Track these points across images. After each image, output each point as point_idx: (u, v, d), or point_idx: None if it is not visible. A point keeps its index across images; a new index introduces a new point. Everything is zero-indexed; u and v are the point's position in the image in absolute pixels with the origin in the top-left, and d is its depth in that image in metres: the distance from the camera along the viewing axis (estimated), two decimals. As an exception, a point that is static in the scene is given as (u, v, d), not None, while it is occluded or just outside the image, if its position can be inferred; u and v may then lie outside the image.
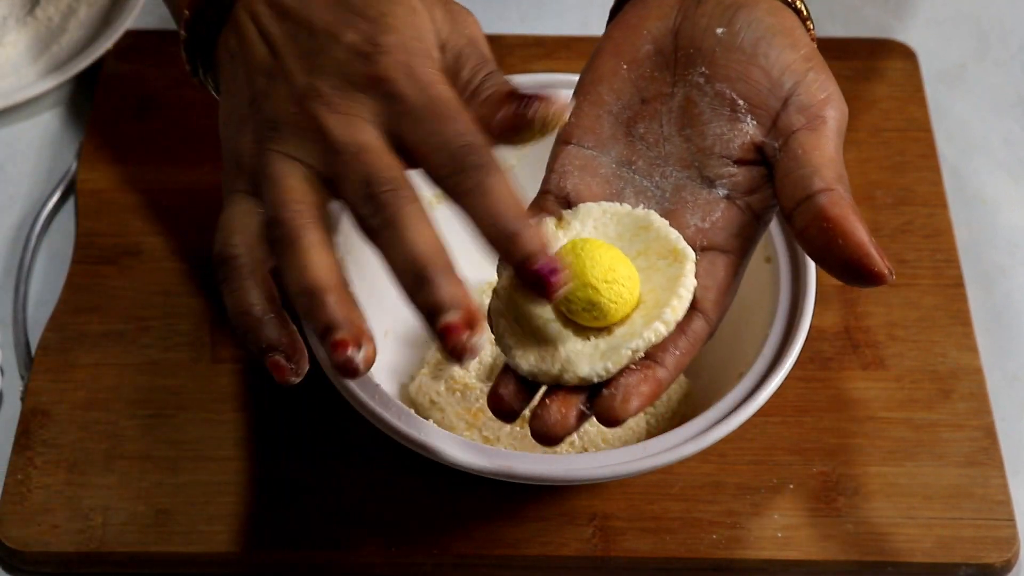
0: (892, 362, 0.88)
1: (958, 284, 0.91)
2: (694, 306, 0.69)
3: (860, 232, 0.67)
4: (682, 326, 0.69)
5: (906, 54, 1.03)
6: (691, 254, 0.69)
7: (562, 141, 0.74)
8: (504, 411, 0.69)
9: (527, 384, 0.68)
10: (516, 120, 0.68)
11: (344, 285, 0.66)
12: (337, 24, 0.70)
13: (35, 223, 0.95)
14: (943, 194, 0.96)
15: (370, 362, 0.65)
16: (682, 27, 0.73)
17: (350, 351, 0.65)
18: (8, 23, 1.04)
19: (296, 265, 0.66)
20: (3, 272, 0.93)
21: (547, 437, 0.67)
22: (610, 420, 0.66)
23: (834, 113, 0.70)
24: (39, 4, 1.05)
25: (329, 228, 0.68)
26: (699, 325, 0.69)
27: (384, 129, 0.68)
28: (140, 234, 0.93)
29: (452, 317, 0.63)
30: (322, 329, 0.65)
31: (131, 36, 1.03)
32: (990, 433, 0.85)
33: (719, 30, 0.72)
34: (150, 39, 1.03)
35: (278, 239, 0.67)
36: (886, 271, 0.66)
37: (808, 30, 0.74)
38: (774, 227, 0.82)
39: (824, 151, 0.69)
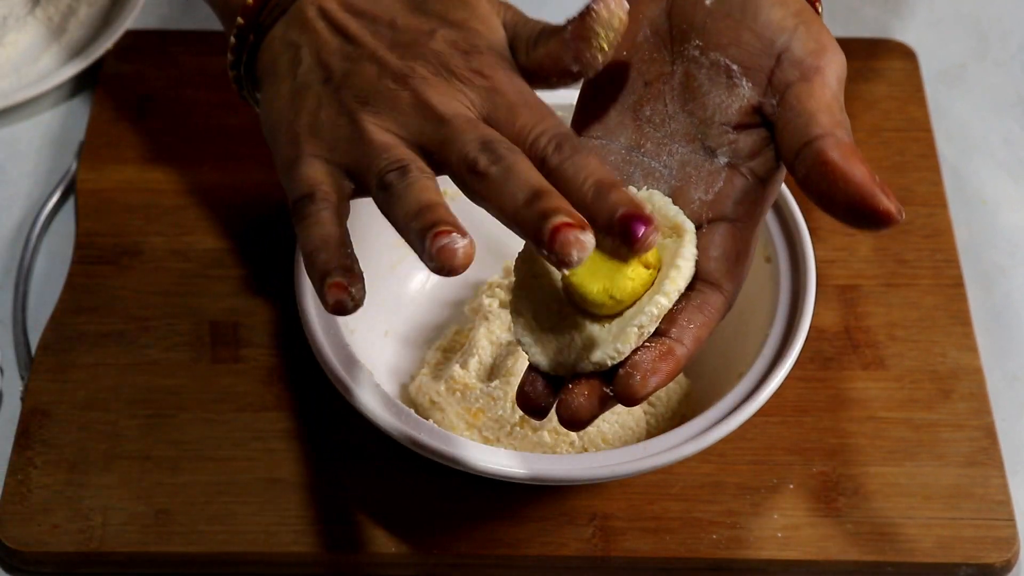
0: (892, 362, 0.88)
1: (958, 284, 0.91)
2: (705, 278, 0.69)
3: (862, 172, 0.66)
4: (695, 300, 0.68)
5: (906, 54, 1.03)
6: (690, 226, 0.69)
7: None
8: (534, 407, 0.69)
9: (551, 379, 0.68)
10: (584, 26, 0.71)
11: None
12: (423, 25, 0.73)
13: (35, 223, 0.95)
14: (943, 194, 0.96)
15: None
16: (674, 5, 0.73)
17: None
18: (8, 23, 1.04)
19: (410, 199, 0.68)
20: (3, 272, 0.93)
21: (574, 422, 0.67)
22: (628, 399, 0.66)
23: (829, 62, 0.70)
24: (39, 4, 1.05)
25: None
26: (713, 297, 0.68)
27: (481, 115, 0.70)
28: (140, 234, 0.93)
29: (564, 219, 0.64)
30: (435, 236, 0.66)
31: (131, 36, 1.03)
32: (990, 433, 0.85)
33: (708, 1, 0.72)
34: (150, 39, 1.03)
35: (391, 184, 0.69)
36: (894, 209, 0.65)
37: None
38: (774, 227, 0.83)
39: (820, 99, 0.69)
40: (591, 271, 0.67)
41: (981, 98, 1.04)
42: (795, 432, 0.85)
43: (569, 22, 0.71)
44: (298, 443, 0.84)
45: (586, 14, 0.70)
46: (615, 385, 0.66)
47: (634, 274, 0.67)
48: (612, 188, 0.65)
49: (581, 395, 0.67)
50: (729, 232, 0.70)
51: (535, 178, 0.66)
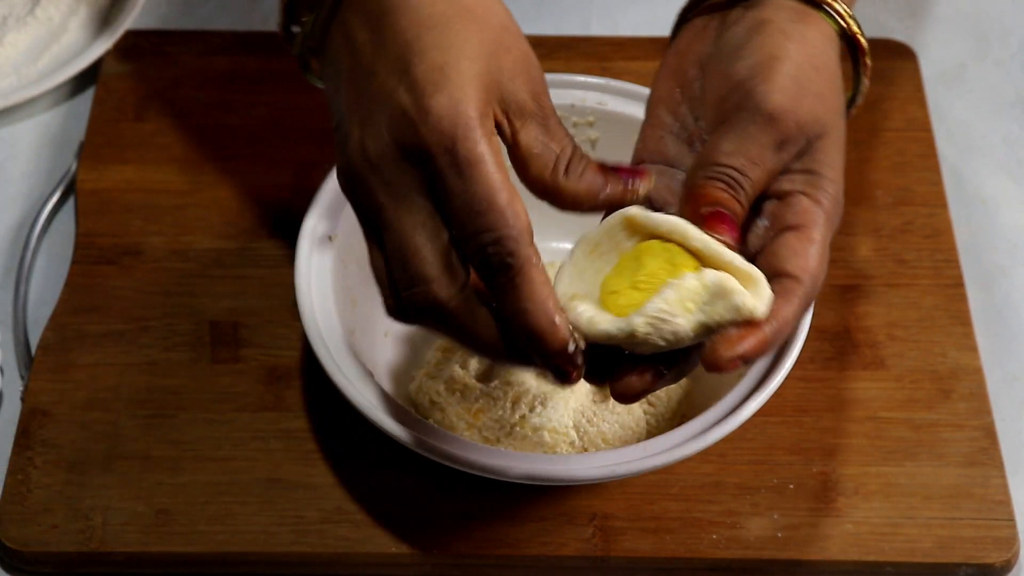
0: (892, 362, 0.88)
1: (958, 284, 0.91)
2: (780, 272, 0.69)
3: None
4: (776, 288, 0.69)
5: (906, 54, 1.03)
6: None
7: (635, 162, 0.76)
8: (631, 396, 0.70)
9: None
10: (621, 197, 0.70)
11: None
12: (392, 76, 0.67)
13: (35, 223, 0.95)
14: (943, 194, 0.96)
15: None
16: (709, 51, 0.75)
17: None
18: (8, 23, 1.04)
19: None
20: (3, 272, 0.93)
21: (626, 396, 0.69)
22: (712, 364, 0.67)
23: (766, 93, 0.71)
24: (39, 4, 1.05)
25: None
26: (791, 284, 0.69)
27: (431, 196, 0.67)
28: (140, 234, 0.93)
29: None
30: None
31: (131, 36, 1.03)
32: (990, 433, 0.85)
33: (712, 49, 0.74)
34: (150, 39, 1.03)
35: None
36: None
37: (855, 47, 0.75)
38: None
39: (715, 145, 0.71)
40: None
41: (981, 98, 1.04)
42: (795, 432, 0.85)
43: (609, 174, 0.69)
44: (298, 443, 0.84)
45: (633, 181, 0.70)
46: (703, 356, 0.67)
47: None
48: (543, 333, 0.67)
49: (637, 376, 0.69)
50: (795, 236, 0.70)
51: (477, 338, 0.68)
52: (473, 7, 0.68)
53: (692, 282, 0.67)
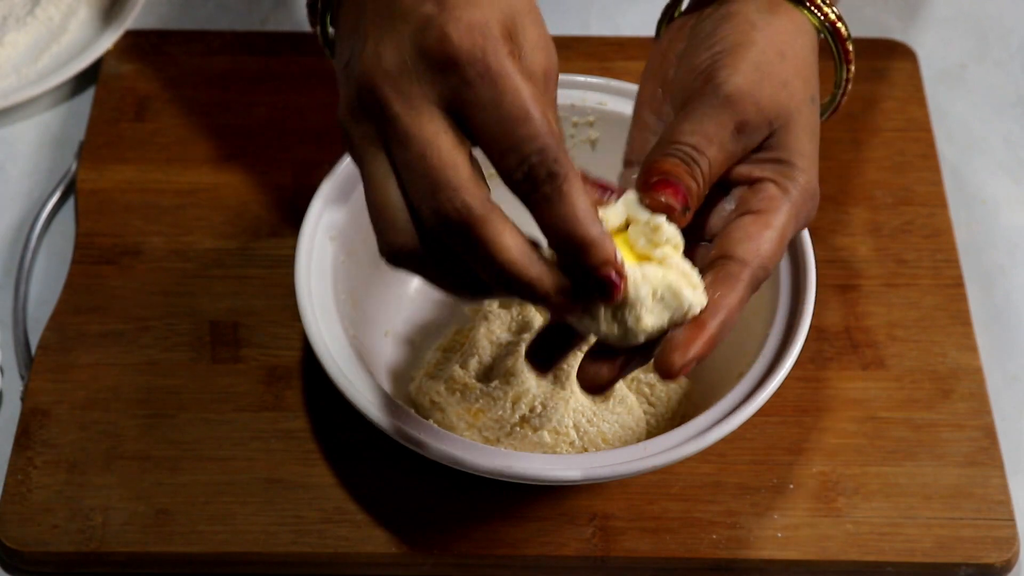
0: (892, 362, 0.88)
1: (958, 284, 0.91)
2: (725, 254, 0.69)
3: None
4: (720, 272, 0.69)
5: (906, 54, 1.03)
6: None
7: (625, 164, 0.76)
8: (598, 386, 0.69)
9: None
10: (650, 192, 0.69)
11: None
12: None
13: (35, 223, 0.95)
14: (943, 194, 0.96)
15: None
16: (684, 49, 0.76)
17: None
18: (8, 23, 1.04)
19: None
20: (3, 272, 0.93)
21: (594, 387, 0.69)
22: (665, 372, 0.67)
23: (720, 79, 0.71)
24: (39, 4, 1.05)
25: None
26: (734, 267, 0.69)
27: (452, 112, 0.65)
28: (140, 234, 0.93)
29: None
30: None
31: (131, 36, 1.03)
32: (990, 433, 0.85)
33: (682, 45, 0.75)
34: (150, 39, 1.03)
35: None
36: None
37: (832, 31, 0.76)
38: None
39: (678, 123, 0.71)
40: None
41: (981, 98, 1.04)
42: (795, 432, 0.85)
43: (587, 184, 0.67)
44: (298, 443, 0.84)
45: (605, 198, 0.68)
46: (655, 363, 0.67)
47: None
48: (591, 242, 0.64)
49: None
50: (752, 219, 0.71)
51: (498, 261, 0.65)
52: None
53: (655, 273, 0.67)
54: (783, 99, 0.71)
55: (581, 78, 0.89)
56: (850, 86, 0.78)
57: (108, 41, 1.02)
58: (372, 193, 0.66)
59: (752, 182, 0.72)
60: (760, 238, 0.70)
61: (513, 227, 0.64)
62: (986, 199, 0.98)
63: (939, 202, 0.95)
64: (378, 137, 0.66)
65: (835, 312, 0.90)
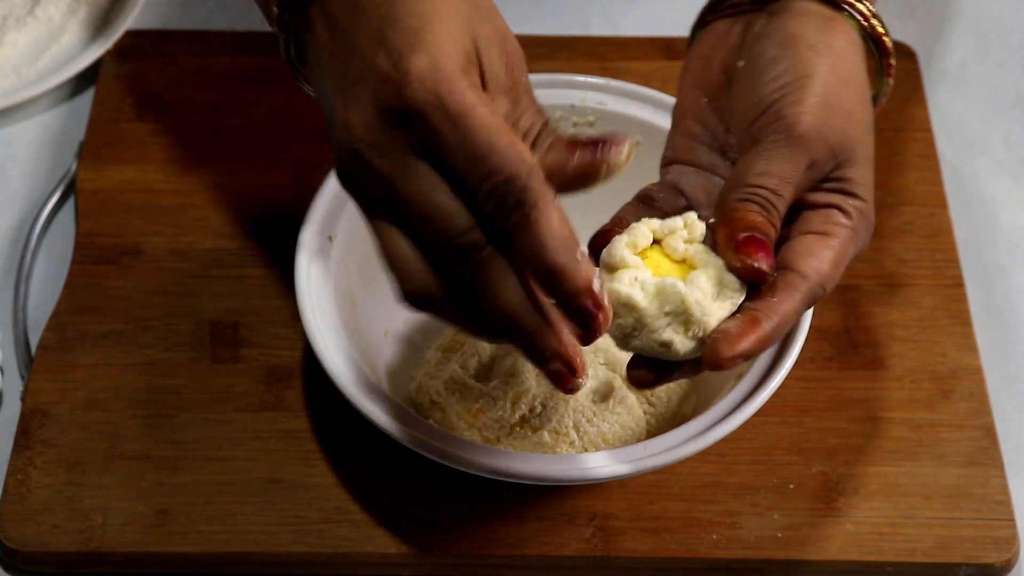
0: (892, 362, 0.88)
1: (958, 284, 0.91)
2: (786, 265, 0.70)
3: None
4: (779, 281, 0.70)
5: (906, 54, 1.03)
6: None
7: (664, 164, 0.76)
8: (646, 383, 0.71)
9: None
10: (591, 167, 0.67)
11: None
12: (370, 47, 0.66)
13: (35, 223, 0.95)
14: (943, 194, 0.96)
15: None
16: (732, 58, 0.75)
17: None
18: (8, 23, 1.04)
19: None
20: (3, 272, 0.93)
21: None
22: (713, 363, 0.68)
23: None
24: (39, 4, 1.05)
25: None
26: (794, 279, 0.70)
27: (428, 158, 0.66)
28: (140, 234, 0.93)
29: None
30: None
31: (131, 36, 1.03)
32: (990, 433, 0.85)
33: (740, 63, 0.74)
34: (150, 39, 1.03)
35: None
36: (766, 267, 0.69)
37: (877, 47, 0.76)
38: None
39: (747, 164, 0.71)
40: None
41: (981, 98, 1.04)
42: (795, 432, 0.85)
43: (577, 146, 0.67)
44: (298, 443, 0.84)
45: (604, 150, 0.67)
46: (705, 355, 0.68)
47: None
48: (564, 269, 0.64)
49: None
50: (815, 238, 0.71)
51: (500, 303, 0.66)
52: None
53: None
54: (850, 132, 0.72)
55: (581, 78, 0.89)
56: (885, 98, 0.78)
57: (108, 41, 1.02)
58: (384, 248, 0.67)
59: (813, 206, 0.72)
60: (822, 257, 0.70)
61: (516, 275, 0.65)
62: (986, 199, 0.98)
63: (939, 202, 0.95)
64: (376, 197, 0.67)
65: (835, 312, 0.90)
